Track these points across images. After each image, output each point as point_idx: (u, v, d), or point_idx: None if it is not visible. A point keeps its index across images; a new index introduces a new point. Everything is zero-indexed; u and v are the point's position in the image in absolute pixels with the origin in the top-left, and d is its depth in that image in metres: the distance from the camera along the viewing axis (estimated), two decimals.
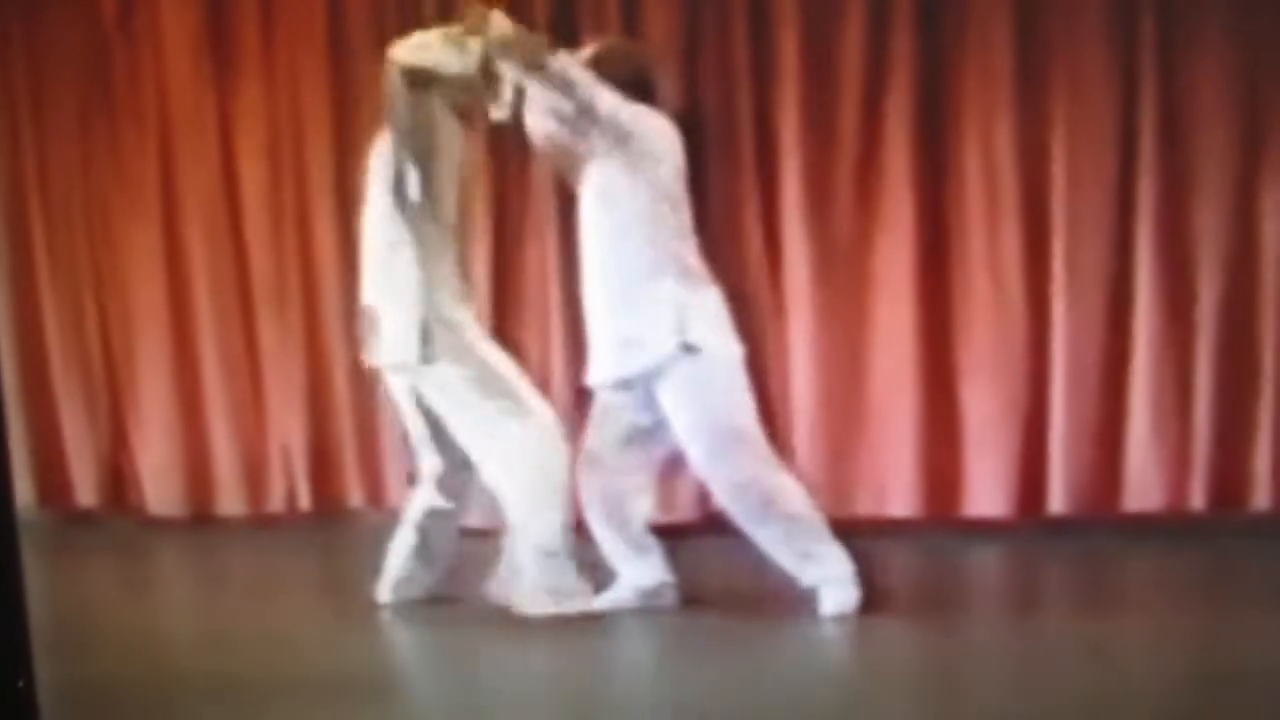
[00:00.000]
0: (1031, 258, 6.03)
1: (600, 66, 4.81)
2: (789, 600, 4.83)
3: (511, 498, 4.93)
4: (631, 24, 6.25)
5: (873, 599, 4.84)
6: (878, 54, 6.09)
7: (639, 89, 4.84)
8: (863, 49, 6.10)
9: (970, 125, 6.05)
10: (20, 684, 2.55)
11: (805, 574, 4.81)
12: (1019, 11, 5.98)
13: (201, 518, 6.94)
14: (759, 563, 4.85)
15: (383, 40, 6.45)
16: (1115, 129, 5.95)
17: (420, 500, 5.17)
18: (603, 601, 4.97)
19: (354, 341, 6.60)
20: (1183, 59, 5.87)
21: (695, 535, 5.80)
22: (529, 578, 4.92)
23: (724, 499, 4.88)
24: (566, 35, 6.11)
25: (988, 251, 6.05)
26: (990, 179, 6.04)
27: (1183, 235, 5.93)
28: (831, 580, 4.79)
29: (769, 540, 4.79)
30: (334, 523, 6.81)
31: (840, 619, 4.74)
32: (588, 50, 4.96)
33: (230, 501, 6.92)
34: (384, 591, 5.18)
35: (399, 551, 5.17)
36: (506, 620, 4.91)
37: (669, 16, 6.24)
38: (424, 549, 5.15)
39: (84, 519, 7.07)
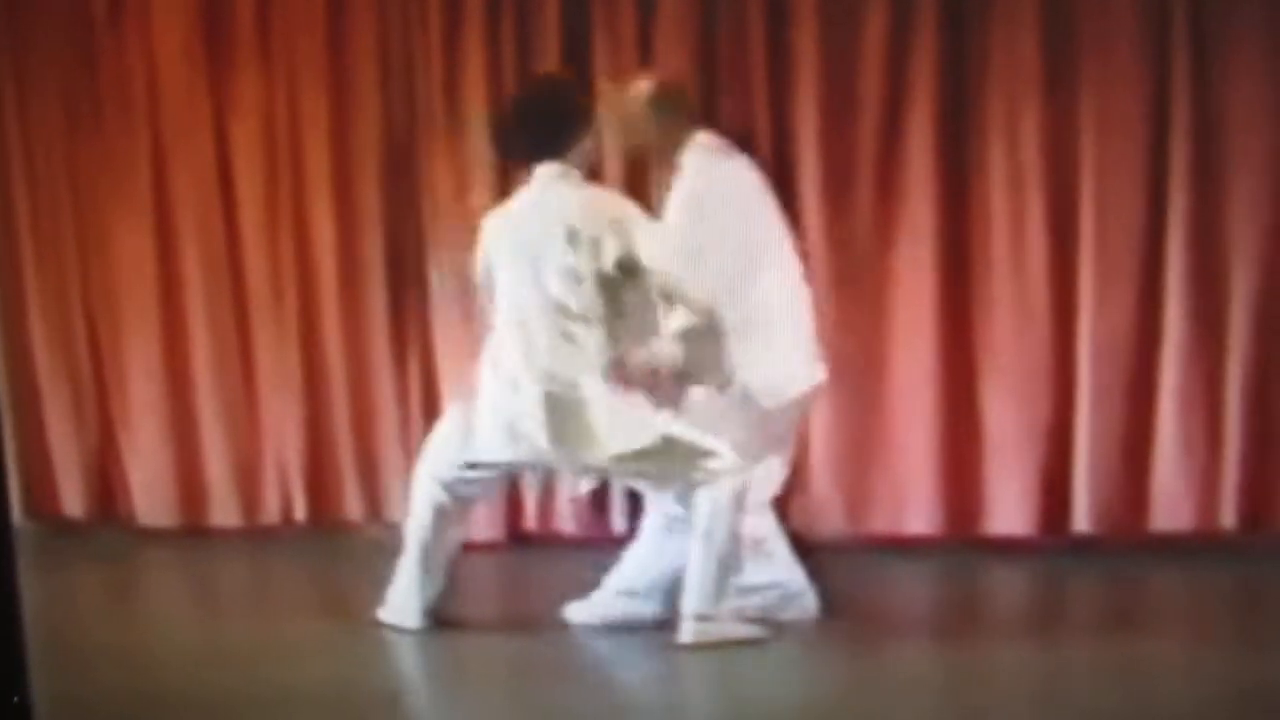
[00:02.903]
0: (1058, 271, 5.92)
1: (660, 103, 4.94)
2: None
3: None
4: (646, 36, 6.15)
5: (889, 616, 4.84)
6: (899, 64, 5.98)
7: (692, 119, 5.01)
8: (884, 58, 5.99)
9: (995, 137, 5.93)
10: (15, 700, 2.57)
11: None
12: (1046, 15, 5.86)
13: (193, 529, 6.83)
14: None
15: (384, 32, 6.45)
16: (1146, 140, 5.83)
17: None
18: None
19: (351, 347, 6.58)
20: (1215, 64, 5.74)
21: None
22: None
23: None
24: (580, 53, 6.12)
25: (1012, 265, 5.95)
26: (1015, 192, 5.93)
27: (1214, 250, 5.82)
28: None
29: None
30: (331, 535, 6.71)
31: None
32: (644, 85, 5.04)
33: (223, 513, 6.81)
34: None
35: None
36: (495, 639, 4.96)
37: (685, 28, 6.14)
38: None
39: (72, 529, 6.96)
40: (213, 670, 4.66)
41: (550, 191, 4.72)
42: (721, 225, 4.80)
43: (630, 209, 4.71)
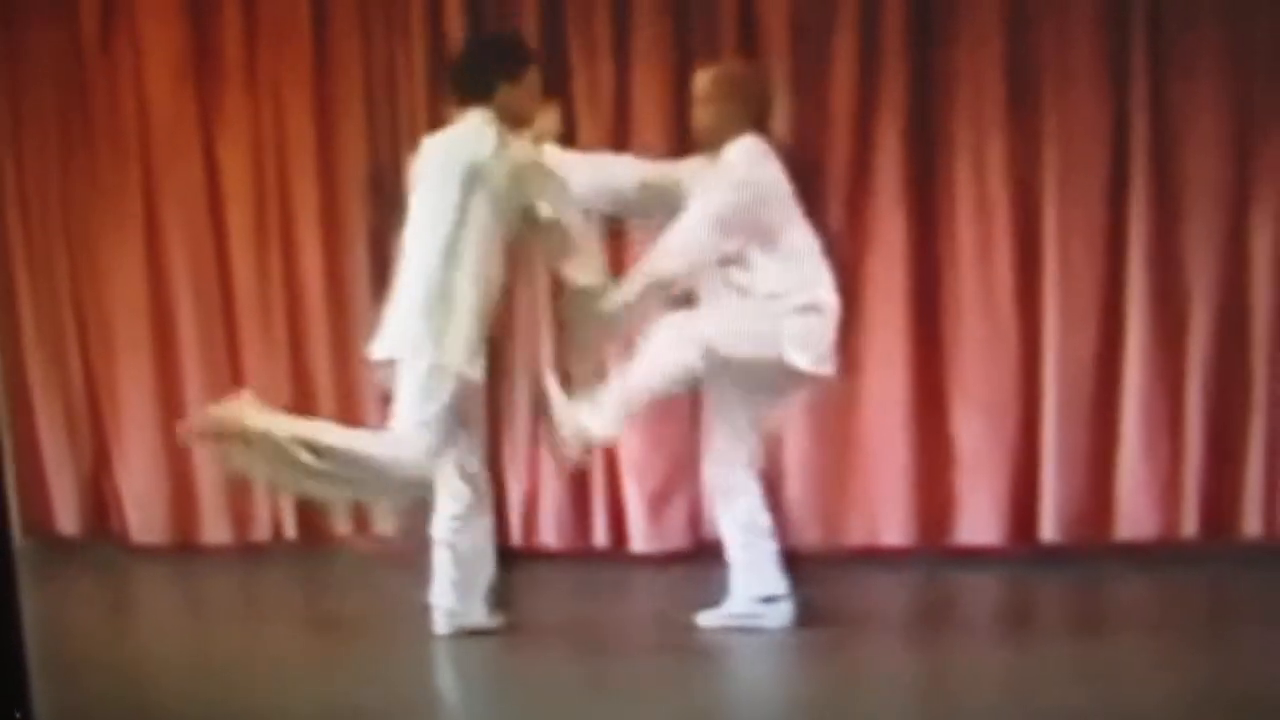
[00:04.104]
0: (1023, 287, 6.03)
1: (720, 89, 5.02)
2: None
3: None
4: (623, 59, 6.26)
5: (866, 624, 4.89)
6: (867, 83, 6.09)
7: (760, 112, 5.04)
8: (853, 79, 6.10)
9: (961, 156, 6.05)
10: (17, 716, 2.58)
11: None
12: (1010, 40, 5.98)
13: (186, 546, 6.86)
14: None
15: (368, 57, 6.52)
16: (1106, 158, 5.96)
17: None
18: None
19: (340, 365, 6.65)
20: (1174, 88, 5.88)
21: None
22: None
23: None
24: (558, 76, 6.17)
25: (979, 281, 6.06)
26: (981, 209, 6.04)
27: (1174, 264, 5.95)
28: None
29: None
30: (320, 552, 6.75)
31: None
32: (707, 73, 5.12)
33: (215, 530, 6.84)
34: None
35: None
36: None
37: (659, 48, 6.24)
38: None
39: (66, 547, 6.97)
40: (206, 685, 4.68)
41: (466, 131, 4.96)
42: (756, 227, 4.92)
43: (537, 160, 4.96)
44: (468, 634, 5.04)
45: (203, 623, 5.89)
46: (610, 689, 4.65)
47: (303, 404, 6.66)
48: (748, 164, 4.95)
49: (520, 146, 4.94)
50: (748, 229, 4.90)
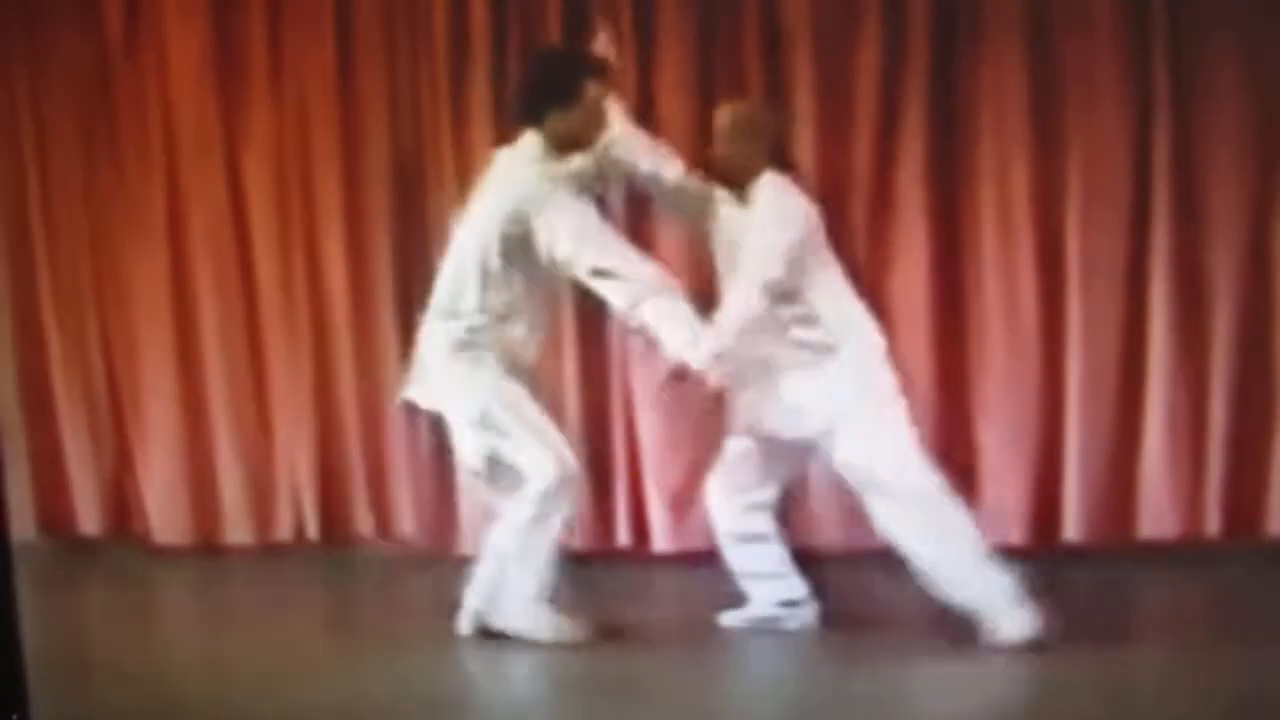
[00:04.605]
0: (1046, 284, 6.06)
1: (740, 127, 5.01)
2: None
3: None
4: (646, 73, 6.27)
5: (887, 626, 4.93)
6: (891, 94, 6.13)
7: (777, 148, 5.08)
8: (877, 89, 6.14)
9: (985, 164, 6.09)
10: (15, 717, 2.60)
11: None
12: (1033, 55, 6.02)
13: (207, 547, 6.88)
14: None
15: (392, 63, 6.54)
16: (1130, 164, 5.99)
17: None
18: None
19: (363, 369, 6.67)
20: (1196, 100, 5.92)
21: None
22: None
23: None
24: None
25: (1003, 284, 6.09)
26: (1005, 214, 6.08)
27: (1196, 264, 5.97)
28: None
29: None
30: (342, 553, 6.77)
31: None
32: (726, 112, 5.10)
33: (237, 530, 6.85)
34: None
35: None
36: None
37: (683, 68, 6.27)
38: None
39: (87, 547, 6.99)
40: (226, 686, 4.69)
41: (514, 158, 4.93)
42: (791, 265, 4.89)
43: (553, 194, 4.84)
44: (492, 635, 5.04)
45: (224, 623, 5.89)
46: (631, 689, 4.64)
47: (325, 408, 6.76)
48: (784, 198, 4.96)
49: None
50: (801, 264, 4.90)
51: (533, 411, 5.00)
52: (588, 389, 6.40)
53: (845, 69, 6.14)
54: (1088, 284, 5.98)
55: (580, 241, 4.79)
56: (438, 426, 6.44)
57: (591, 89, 4.91)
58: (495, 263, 4.88)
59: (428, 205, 6.52)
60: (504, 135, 6.20)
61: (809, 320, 4.93)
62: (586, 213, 4.89)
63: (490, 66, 6.38)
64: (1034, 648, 4.76)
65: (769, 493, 5.19)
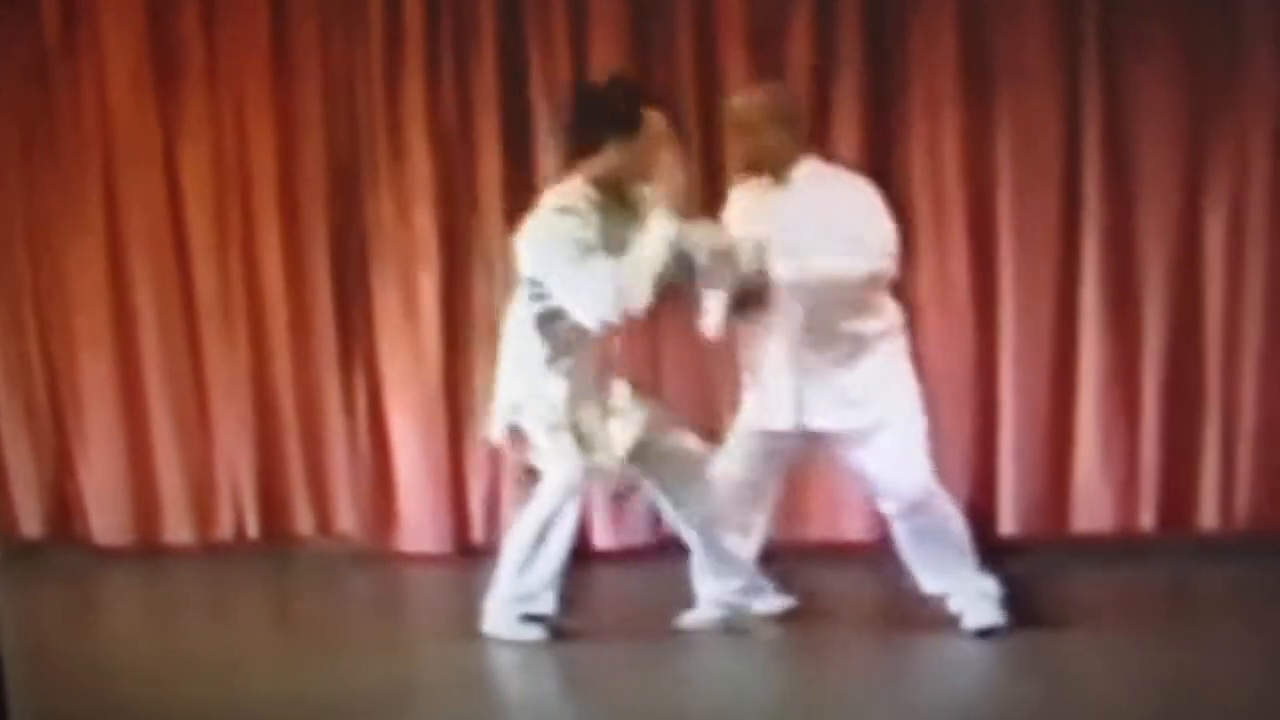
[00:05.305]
0: (979, 281, 6.09)
1: (766, 113, 4.90)
2: None
3: None
4: (582, 61, 6.27)
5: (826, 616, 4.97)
6: (824, 76, 6.14)
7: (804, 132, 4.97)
8: (809, 75, 6.13)
9: (915, 149, 6.10)
10: None
11: None
12: (963, 33, 6.03)
13: (149, 547, 6.85)
14: None
15: (328, 64, 6.54)
16: (1060, 154, 6.02)
17: None
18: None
19: (301, 367, 6.67)
20: (1126, 81, 5.95)
21: None
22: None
23: None
24: (517, 77, 6.26)
25: (935, 278, 6.09)
26: (936, 206, 6.08)
27: (1128, 259, 6.01)
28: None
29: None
30: (283, 550, 6.76)
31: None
32: (747, 99, 5.01)
33: (178, 530, 6.83)
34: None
35: None
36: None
37: (618, 49, 6.26)
38: None
39: (29, 550, 6.94)
40: (169, 685, 4.71)
41: (549, 206, 4.82)
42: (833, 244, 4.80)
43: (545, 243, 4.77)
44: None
45: (167, 623, 5.89)
46: (582, 687, 4.71)
47: (263, 407, 6.74)
48: (853, 183, 4.95)
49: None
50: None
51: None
52: None
53: (778, 57, 6.14)
54: (1020, 275, 6.01)
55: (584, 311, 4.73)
56: (376, 424, 6.54)
57: (653, 119, 4.81)
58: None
59: (364, 205, 6.54)
60: (439, 139, 6.37)
61: (867, 308, 4.90)
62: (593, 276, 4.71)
63: (424, 60, 6.40)
64: (982, 635, 4.84)
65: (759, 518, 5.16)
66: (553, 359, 4.81)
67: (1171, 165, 5.94)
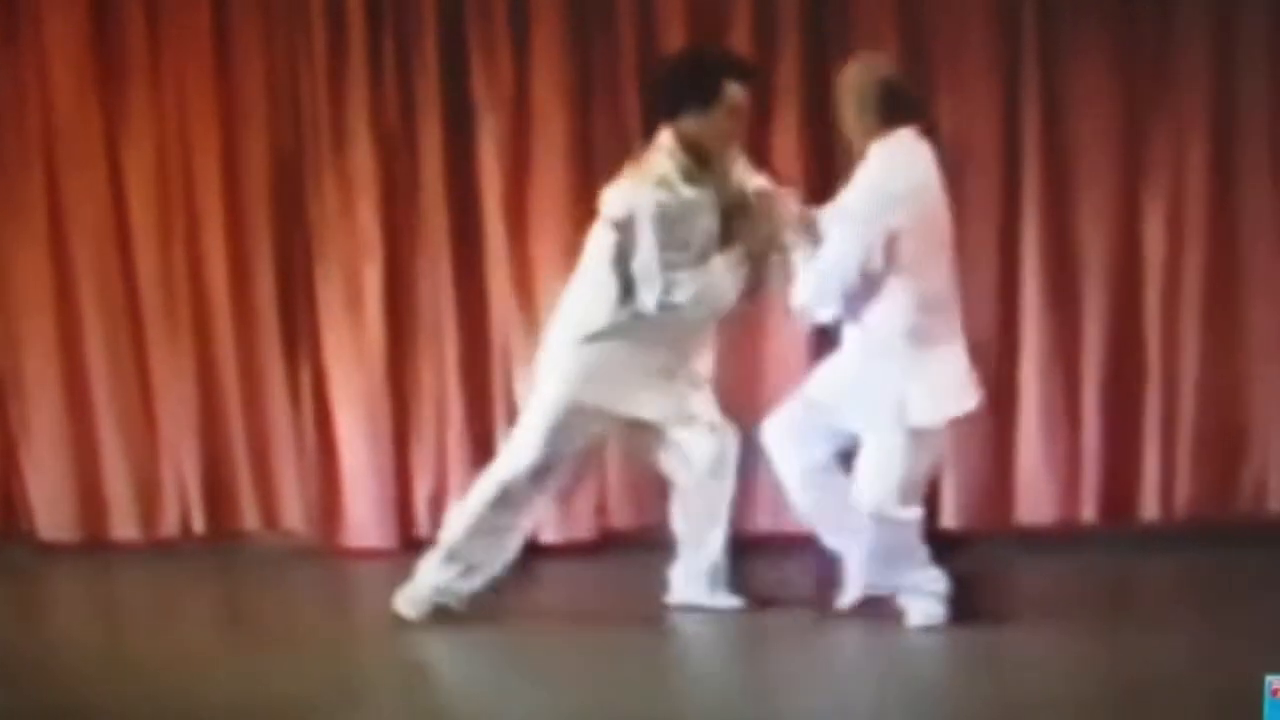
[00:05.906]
0: None
1: (842, 91, 4.87)
2: None
3: None
4: (523, 63, 6.30)
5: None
6: (765, 82, 6.04)
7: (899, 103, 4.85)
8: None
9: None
10: None
11: None
12: (902, 27, 6.06)
13: (95, 543, 6.82)
14: None
15: (271, 58, 6.53)
16: (999, 148, 6.05)
17: None
18: None
19: (245, 363, 6.66)
20: (1064, 76, 5.99)
21: None
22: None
23: None
24: (458, 75, 6.27)
25: None
26: None
27: (1068, 253, 6.04)
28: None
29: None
30: (229, 546, 6.75)
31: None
32: (854, 67, 4.95)
33: (124, 526, 6.81)
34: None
35: None
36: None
37: (558, 53, 6.30)
38: None
39: None
40: (116, 683, 4.72)
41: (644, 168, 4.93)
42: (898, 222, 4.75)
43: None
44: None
45: (113, 620, 5.93)
46: (519, 677, 4.73)
47: (208, 403, 6.73)
48: (896, 153, 4.87)
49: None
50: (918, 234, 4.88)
51: None
52: (468, 379, 6.45)
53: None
54: (958, 273, 5.95)
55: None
56: (321, 420, 6.54)
57: (732, 91, 4.86)
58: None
59: (307, 198, 6.53)
60: (382, 134, 6.36)
61: (937, 304, 4.87)
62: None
63: (367, 58, 6.40)
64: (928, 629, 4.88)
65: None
66: (623, 300, 4.94)
67: (1110, 158, 5.99)
